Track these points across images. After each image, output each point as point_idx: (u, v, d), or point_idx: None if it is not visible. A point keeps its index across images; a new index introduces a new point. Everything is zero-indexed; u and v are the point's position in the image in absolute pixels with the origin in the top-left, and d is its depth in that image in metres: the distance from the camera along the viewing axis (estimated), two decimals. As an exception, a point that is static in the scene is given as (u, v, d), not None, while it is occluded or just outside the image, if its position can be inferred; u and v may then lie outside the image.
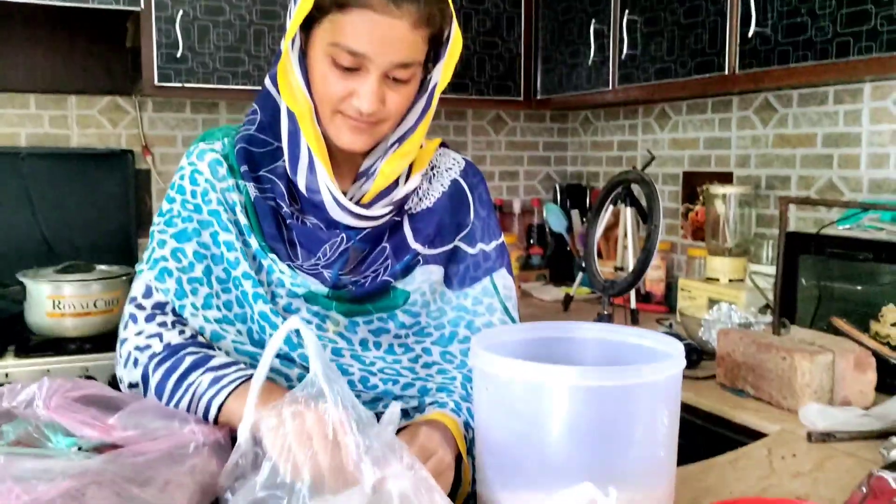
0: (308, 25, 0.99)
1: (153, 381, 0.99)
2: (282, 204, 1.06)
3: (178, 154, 2.68)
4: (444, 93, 2.18)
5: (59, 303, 2.02)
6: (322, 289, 1.06)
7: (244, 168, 1.07)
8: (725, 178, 2.52)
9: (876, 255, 1.69)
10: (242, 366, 0.99)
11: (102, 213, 2.53)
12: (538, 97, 2.77)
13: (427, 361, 1.12)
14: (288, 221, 1.06)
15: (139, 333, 1.03)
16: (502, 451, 0.87)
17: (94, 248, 2.48)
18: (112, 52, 2.54)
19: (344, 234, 1.07)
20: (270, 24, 2.36)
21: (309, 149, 1.03)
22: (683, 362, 0.88)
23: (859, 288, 1.73)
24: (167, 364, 0.99)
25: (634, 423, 0.85)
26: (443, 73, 1.06)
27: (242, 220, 1.06)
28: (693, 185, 2.67)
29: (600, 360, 1.01)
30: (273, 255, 1.05)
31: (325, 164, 1.03)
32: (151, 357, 1.01)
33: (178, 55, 2.24)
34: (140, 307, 1.04)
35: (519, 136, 3.25)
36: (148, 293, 1.04)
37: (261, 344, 1.05)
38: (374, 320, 1.10)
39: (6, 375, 1.93)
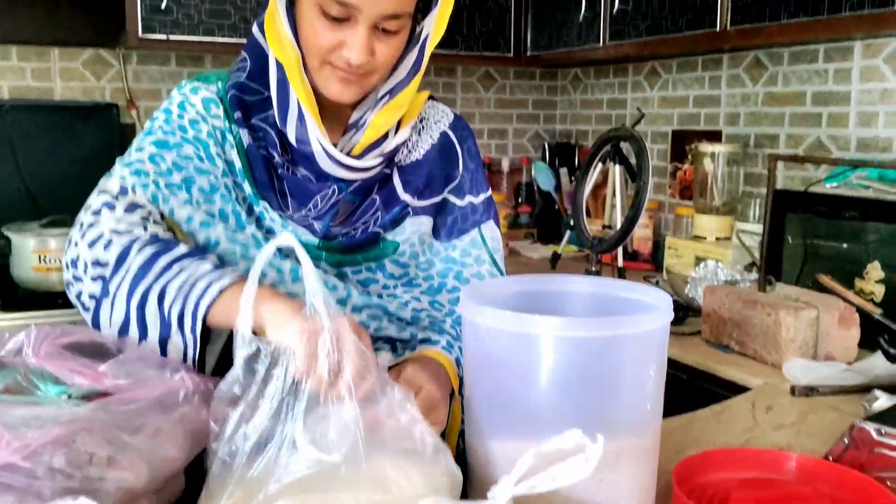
0: None
1: (136, 259, 0.92)
2: (274, 153, 1.05)
3: (163, 108, 2.64)
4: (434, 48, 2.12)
5: (45, 257, 2.01)
6: (312, 239, 1.06)
7: (238, 114, 1.05)
8: (714, 137, 2.52)
9: (862, 214, 1.70)
10: (238, 269, 0.94)
11: (87, 167, 2.50)
12: (528, 53, 2.75)
13: (416, 307, 1.14)
14: (279, 172, 1.06)
15: (117, 220, 0.96)
16: (491, 401, 0.88)
17: (78, 202, 2.40)
18: (95, 4, 2.48)
19: (335, 186, 1.06)
20: (256, -25, 2.32)
21: (298, 100, 1.01)
22: (671, 315, 0.89)
23: (845, 246, 1.75)
24: (157, 246, 0.93)
25: (621, 373, 0.86)
26: (435, 26, 1.04)
27: (236, 161, 1.05)
28: (682, 144, 2.67)
29: (589, 312, 1.01)
30: (265, 203, 1.05)
31: (315, 116, 1.02)
32: (135, 240, 0.93)
33: (163, 6, 2.20)
34: (116, 199, 0.98)
35: (508, 94, 3.23)
36: (123, 192, 0.99)
37: (255, 244, 1.03)
38: (363, 270, 1.11)
39: (-8, 329, 1.93)
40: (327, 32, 0.97)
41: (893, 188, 1.73)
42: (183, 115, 1.05)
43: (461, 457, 0.91)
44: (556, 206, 3.03)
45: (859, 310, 1.53)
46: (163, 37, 2.22)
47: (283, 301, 0.85)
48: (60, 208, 2.35)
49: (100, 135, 2.52)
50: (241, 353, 0.79)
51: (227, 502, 0.75)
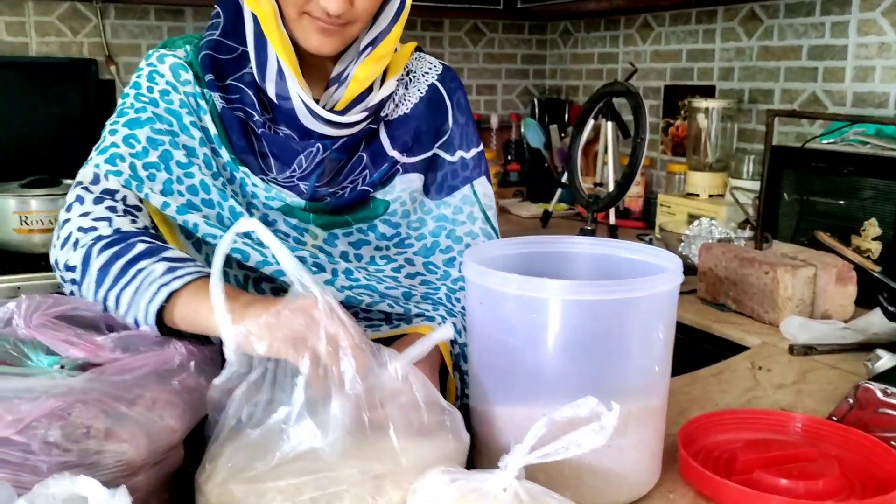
0: None
1: (96, 263, 0.89)
2: (252, 113, 1.00)
3: (143, 64, 2.57)
4: (420, 0, 2.09)
5: (27, 218, 1.96)
6: (299, 201, 1.02)
7: (209, 77, 1.00)
8: (708, 92, 2.48)
9: (859, 169, 1.68)
10: (198, 263, 0.90)
11: (65, 124, 2.43)
12: (518, 6, 2.68)
13: (410, 272, 1.11)
14: (259, 131, 1.01)
15: (84, 215, 0.94)
16: (497, 365, 0.86)
17: (56, 162, 2.37)
18: (69, -46, 2.40)
19: (319, 145, 1.02)
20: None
21: (276, 54, 0.97)
22: (681, 276, 0.87)
23: (842, 202, 1.73)
24: (116, 248, 0.90)
25: (630, 337, 0.84)
26: None
27: (211, 127, 1.01)
28: (675, 100, 2.63)
29: (594, 274, 0.99)
30: (245, 169, 1.01)
31: (295, 71, 0.97)
32: (97, 239, 0.91)
33: (141, -43, 2.12)
34: (87, 190, 0.96)
35: (497, 49, 3.16)
36: (96, 180, 0.96)
37: (234, 217, 1.00)
38: (353, 232, 1.07)
39: (-25, 293, 1.89)
40: None
41: (891, 144, 1.71)
42: (153, 87, 1.00)
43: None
44: (546, 164, 2.99)
45: (856, 267, 1.52)
46: (142, -11, 2.14)
47: (247, 304, 0.80)
48: (38, 168, 2.30)
49: (78, 92, 2.45)
50: (230, 351, 0.76)
51: (228, 464, 0.73)
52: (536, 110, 3.14)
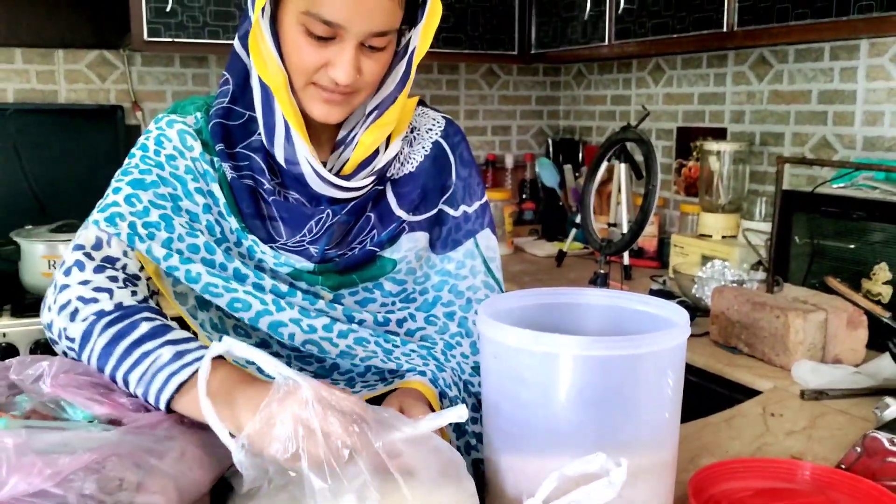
0: None
1: (98, 341, 0.89)
2: (262, 180, 1.02)
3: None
4: (437, 47, 2.15)
5: (55, 262, 2.02)
6: (307, 265, 1.04)
7: (220, 147, 1.02)
8: (719, 134, 2.52)
9: (869, 214, 1.71)
10: (199, 342, 0.90)
11: (92, 169, 2.50)
12: (532, 52, 2.74)
13: (411, 328, 1.13)
14: (270, 199, 1.02)
15: (85, 283, 0.94)
16: (511, 417, 0.89)
17: (84, 205, 2.42)
18: (98, 5, 2.49)
19: (329, 210, 1.03)
20: (261, -24, 2.31)
21: (285, 120, 0.98)
22: (688, 330, 0.90)
23: (852, 246, 1.76)
24: (119, 326, 0.90)
25: (640, 390, 0.87)
26: (421, 39, 1.00)
27: (219, 195, 1.02)
28: (687, 141, 2.67)
29: (606, 326, 1.02)
30: (253, 237, 1.02)
31: (303, 135, 0.98)
32: (100, 314, 0.91)
33: (168, 9, 2.20)
34: (88, 256, 0.96)
35: (511, 90, 3.22)
36: (98, 245, 0.97)
37: (239, 278, 1.01)
38: (359, 291, 1.09)
39: (3, 335, 1.94)
40: (313, 52, 0.94)
41: (900, 189, 1.74)
42: (160, 150, 1.01)
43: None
44: (561, 203, 3.04)
45: (867, 311, 1.54)
46: (168, 40, 2.22)
47: (239, 407, 0.80)
48: (67, 211, 2.37)
49: (105, 137, 2.53)
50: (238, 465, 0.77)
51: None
52: (551, 150, 3.19)
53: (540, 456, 0.86)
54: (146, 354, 0.87)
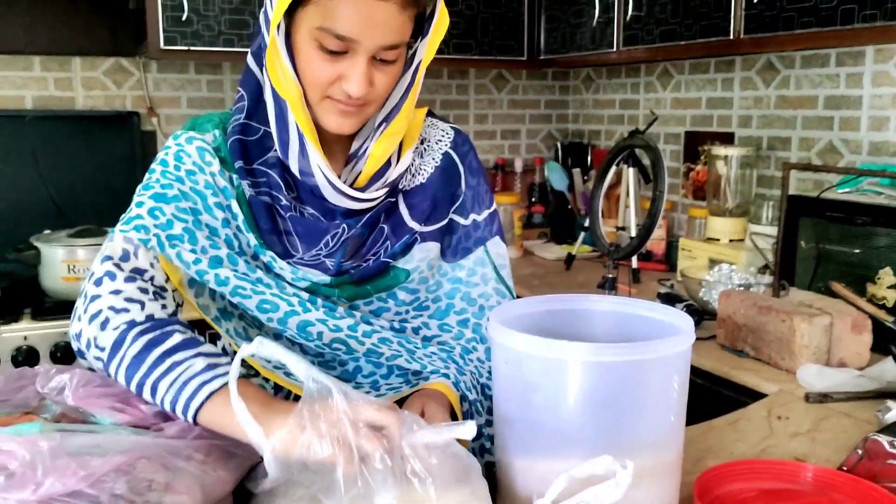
0: (291, 7, 0.96)
1: (130, 349, 0.92)
2: (279, 196, 1.05)
3: (183, 115, 2.69)
4: (447, 52, 2.21)
5: (74, 267, 2.06)
6: (324, 278, 1.07)
7: (239, 164, 1.05)
8: (727, 139, 2.55)
9: (874, 219, 1.73)
10: (229, 358, 0.93)
11: (109, 175, 2.55)
12: (541, 57, 2.78)
13: (427, 335, 1.16)
14: (287, 214, 1.06)
15: (116, 293, 0.96)
16: (521, 421, 0.92)
17: (101, 209, 2.49)
18: (114, 13, 2.53)
19: (344, 224, 1.07)
20: (274, -15, 2.35)
21: (299, 132, 1.01)
22: (693, 337, 0.93)
23: (857, 251, 1.78)
24: (151, 335, 0.93)
25: (646, 395, 0.90)
26: (426, 50, 1.04)
27: (237, 210, 1.05)
28: (695, 145, 2.70)
29: (613, 332, 1.05)
30: (271, 253, 1.05)
31: (316, 145, 1.01)
32: (131, 324, 0.94)
33: (184, 18, 2.24)
34: (118, 266, 0.98)
35: (521, 95, 3.26)
36: (125, 256, 0.99)
37: (263, 283, 1.04)
38: (374, 300, 1.12)
39: (24, 338, 1.98)
40: (326, 66, 0.97)
41: (905, 194, 1.76)
42: (179, 166, 1.04)
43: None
44: (570, 206, 3.06)
45: (871, 315, 1.57)
46: (184, 48, 2.26)
47: (272, 412, 0.84)
48: (85, 216, 2.42)
49: (122, 143, 2.57)
50: (268, 463, 0.81)
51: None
52: (560, 154, 3.22)
53: (549, 458, 0.89)
54: (178, 363, 0.89)
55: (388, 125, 1.05)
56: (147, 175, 1.06)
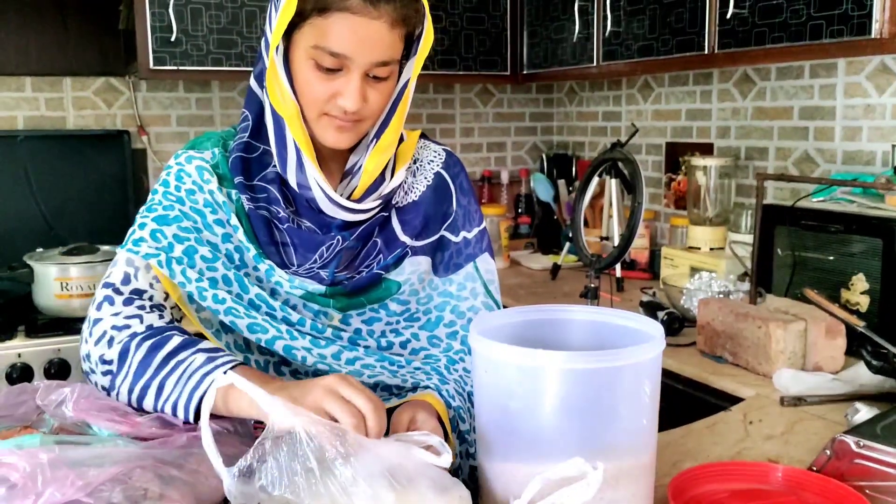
0: (288, 30, 1.03)
1: (136, 355, 1.00)
2: (277, 210, 1.11)
3: (172, 133, 2.73)
4: (432, 68, 2.29)
5: (67, 284, 2.09)
6: (319, 287, 1.12)
7: (239, 179, 1.11)
8: (706, 149, 2.61)
9: (847, 227, 1.78)
10: (228, 352, 1.02)
11: (101, 193, 2.59)
12: (524, 72, 2.83)
13: (415, 347, 1.20)
14: (284, 226, 1.11)
15: (116, 314, 1.04)
16: (501, 426, 0.96)
17: (93, 227, 2.55)
18: (104, 33, 2.57)
19: (339, 236, 1.12)
20: (262, 4, 2.40)
21: (297, 147, 1.07)
22: (663, 344, 0.97)
23: (831, 258, 1.83)
24: (153, 340, 1.01)
25: (619, 400, 0.94)
26: (414, 68, 1.11)
27: (237, 223, 1.11)
28: (675, 156, 2.75)
29: (589, 340, 1.09)
30: (269, 262, 1.11)
31: (312, 159, 1.08)
32: (133, 336, 1.02)
33: (172, 38, 2.28)
34: (117, 291, 1.06)
35: (506, 108, 3.31)
36: (126, 280, 1.07)
37: (255, 306, 1.09)
38: (366, 311, 1.17)
39: (18, 355, 2.01)
40: (322, 83, 1.04)
41: (876, 202, 1.81)
42: (180, 186, 1.11)
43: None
44: (555, 216, 3.11)
45: (844, 320, 1.61)
46: (173, 67, 2.30)
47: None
48: (77, 234, 2.46)
49: (112, 161, 2.61)
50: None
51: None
52: (545, 165, 3.27)
53: (527, 462, 0.93)
54: (180, 362, 0.98)
55: (378, 140, 1.11)
56: (150, 196, 1.13)
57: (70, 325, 2.10)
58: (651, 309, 2.01)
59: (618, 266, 2.44)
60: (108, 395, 1.02)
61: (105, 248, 2.26)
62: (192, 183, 1.11)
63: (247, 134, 1.13)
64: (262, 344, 1.09)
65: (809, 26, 1.78)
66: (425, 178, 1.23)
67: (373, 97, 1.06)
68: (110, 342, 1.02)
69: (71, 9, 2.53)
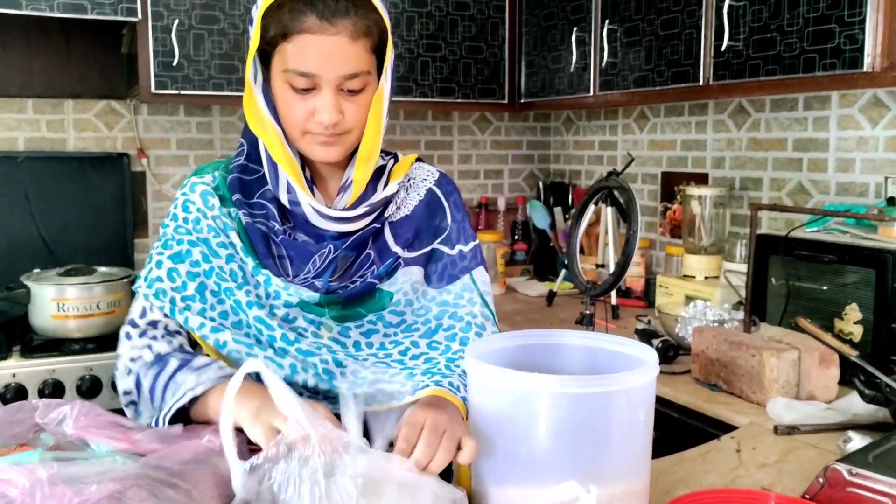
0: (267, 60, 1.13)
1: (146, 383, 1.12)
2: (274, 224, 1.18)
3: (172, 156, 2.75)
4: (431, 95, 2.33)
5: (63, 305, 2.09)
6: (314, 295, 1.17)
7: (236, 196, 1.19)
8: (701, 179, 2.63)
9: (840, 257, 1.80)
10: (223, 365, 1.10)
11: (100, 215, 2.60)
12: (522, 100, 2.87)
13: (415, 353, 1.23)
14: (279, 239, 1.18)
15: (133, 348, 1.16)
16: (493, 450, 0.97)
17: (92, 249, 2.56)
18: (107, 57, 2.60)
19: (331, 245, 1.19)
20: (263, 31, 2.42)
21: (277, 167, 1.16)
22: (657, 369, 0.98)
23: (825, 287, 1.84)
24: (156, 368, 1.13)
25: (613, 424, 0.95)
26: (383, 77, 1.16)
27: (236, 241, 1.18)
28: (671, 185, 2.78)
29: (583, 365, 1.10)
30: (266, 272, 1.17)
31: (298, 181, 1.16)
32: (143, 366, 1.14)
33: (175, 63, 2.31)
34: (134, 325, 1.18)
35: (503, 136, 3.34)
36: (143, 313, 1.18)
37: (258, 341, 1.15)
38: (364, 324, 1.21)
39: (13, 375, 2.01)
40: (299, 104, 1.12)
41: (869, 233, 1.83)
42: (187, 217, 1.19)
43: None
44: (552, 244, 3.13)
45: (836, 349, 1.63)
46: (174, 92, 2.33)
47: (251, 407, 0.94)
48: (75, 255, 2.46)
49: (112, 183, 2.62)
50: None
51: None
52: (542, 193, 3.30)
53: (521, 485, 0.94)
54: (177, 384, 1.09)
55: (358, 152, 1.18)
56: (162, 230, 1.21)
57: (65, 345, 2.10)
58: (646, 336, 2.02)
59: (613, 293, 2.45)
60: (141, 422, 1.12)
61: (103, 269, 2.27)
62: (197, 210, 1.19)
63: (242, 157, 1.22)
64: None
65: (803, 59, 1.81)
66: (418, 193, 1.30)
67: (350, 109, 1.13)
68: (128, 373, 1.15)
69: (75, 32, 2.55)
